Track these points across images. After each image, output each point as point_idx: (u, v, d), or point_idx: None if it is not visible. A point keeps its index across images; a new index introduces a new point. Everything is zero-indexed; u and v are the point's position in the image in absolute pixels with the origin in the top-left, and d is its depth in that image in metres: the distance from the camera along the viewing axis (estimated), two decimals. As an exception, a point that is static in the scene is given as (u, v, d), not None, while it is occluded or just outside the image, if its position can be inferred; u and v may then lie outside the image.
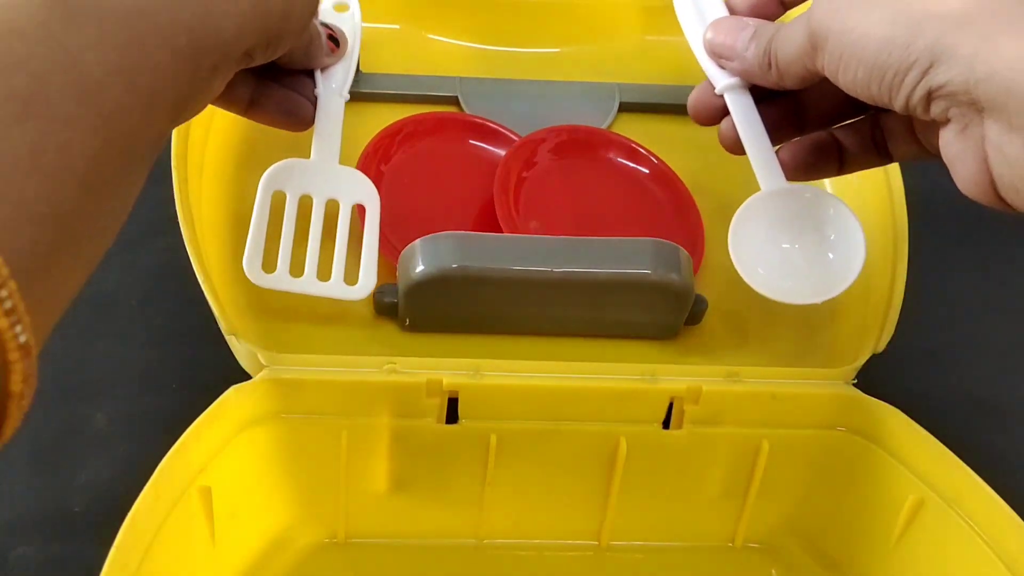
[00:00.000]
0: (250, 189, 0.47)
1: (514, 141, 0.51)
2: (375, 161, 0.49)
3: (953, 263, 0.58)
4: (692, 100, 0.43)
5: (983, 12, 0.31)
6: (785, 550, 0.47)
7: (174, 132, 0.45)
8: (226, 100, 0.41)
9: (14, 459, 0.46)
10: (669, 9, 0.44)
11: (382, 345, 0.46)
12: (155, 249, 0.50)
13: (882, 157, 0.41)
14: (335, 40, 0.45)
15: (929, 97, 0.33)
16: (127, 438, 0.47)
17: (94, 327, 0.49)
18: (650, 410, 0.44)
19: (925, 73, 0.32)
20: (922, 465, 0.43)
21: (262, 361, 0.41)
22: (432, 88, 0.54)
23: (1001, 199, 0.33)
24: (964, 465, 0.42)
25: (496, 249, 0.44)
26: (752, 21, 0.41)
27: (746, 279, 0.41)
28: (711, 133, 0.43)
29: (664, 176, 0.52)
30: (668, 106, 0.55)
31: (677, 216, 0.51)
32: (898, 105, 0.34)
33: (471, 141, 0.52)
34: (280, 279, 0.43)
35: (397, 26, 0.57)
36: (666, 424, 0.44)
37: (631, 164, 0.52)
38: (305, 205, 0.44)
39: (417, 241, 0.44)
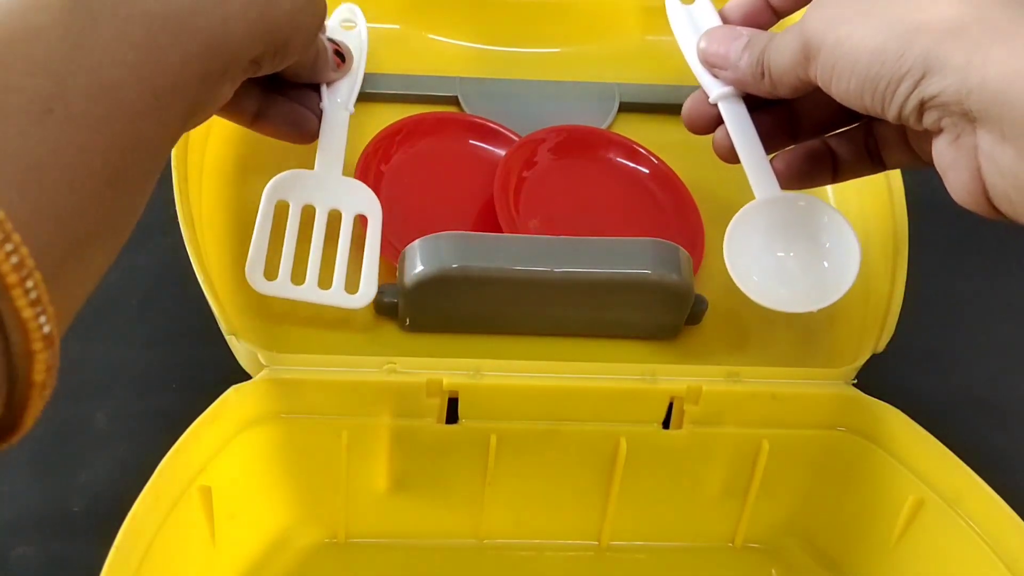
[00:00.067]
0: (250, 189, 0.47)
1: (514, 141, 0.51)
2: (375, 161, 0.49)
3: (953, 263, 0.58)
4: (686, 109, 0.43)
5: (975, 23, 0.32)
6: (785, 550, 0.47)
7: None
8: (234, 112, 0.42)
9: (14, 459, 0.46)
10: (669, 9, 0.44)
11: (382, 345, 0.46)
12: (155, 249, 0.50)
13: (876, 165, 0.42)
14: (341, 56, 0.47)
15: (922, 107, 0.33)
16: (127, 438, 0.47)
17: (94, 327, 0.49)
18: (650, 410, 0.44)
19: (918, 84, 0.32)
20: (922, 465, 0.43)
21: (262, 361, 0.41)
22: (432, 88, 0.54)
23: (994, 208, 0.33)
24: (964, 465, 0.42)
25: (496, 249, 0.44)
26: (745, 31, 0.41)
27: (741, 287, 0.41)
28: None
29: (664, 176, 0.52)
30: (668, 106, 0.54)
31: (677, 216, 0.51)
32: (891, 115, 0.34)
33: (471, 141, 0.52)
34: (282, 287, 0.43)
35: (397, 26, 0.57)
36: (666, 424, 0.44)
37: (631, 164, 0.52)
38: (308, 214, 0.44)
39: (417, 241, 0.44)
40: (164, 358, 0.49)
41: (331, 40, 0.47)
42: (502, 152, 0.51)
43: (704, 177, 0.51)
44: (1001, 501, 0.41)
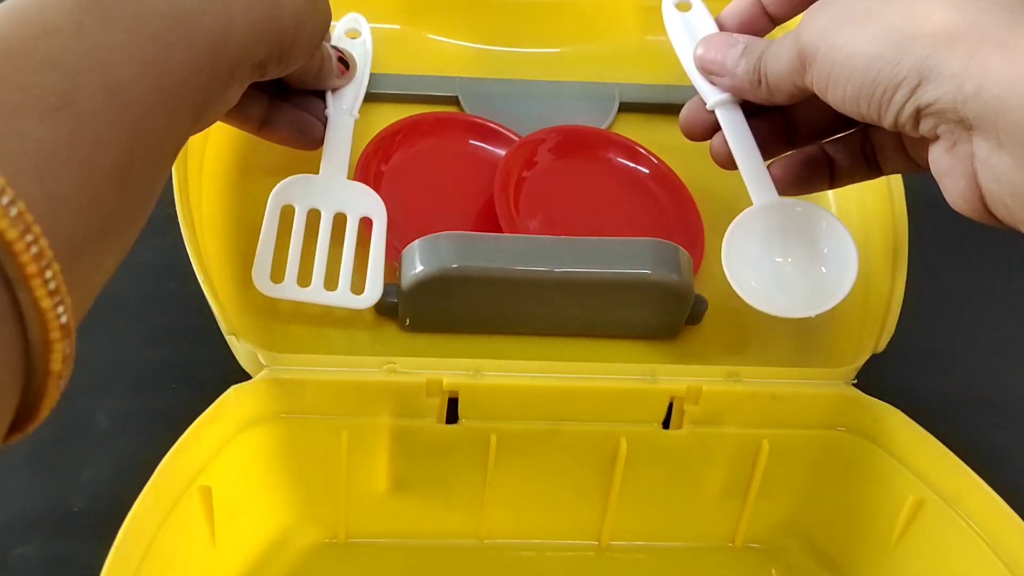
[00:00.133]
0: (250, 189, 0.47)
1: (514, 141, 0.51)
2: (375, 161, 0.49)
3: (954, 262, 0.57)
4: (683, 116, 0.44)
5: (971, 30, 0.32)
6: (785, 550, 0.47)
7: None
8: (241, 119, 0.43)
9: (14, 458, 0.46)
10: (669, 9, 0.44)
11: (382, 345, 0.46)
12: (155, 249, 0.49)
13: (872, 171, 0.42)
14: (345, 63, 0.47)
15: (918, 115, 0.33)
16: (127, 437, 0.47)
17: (94, 326, 0.49)
18: (650, 410, 0.44)
19: (914, 91, 0.32)
20: (922, 465, 0.43)
21: (262, 361, 0.41)
22: (432, 88, 0.54)
23: (991, 214, 0.33)
24: (964, 465, 0.42)
25: (496, 249, 0.44)
26: (742, 38, 0.41)
27: (739, 292, 0.41)
28: (710, 133, 0.43)
29: (664, 176, 0.52)
30: (668, 106, 0.54)
31: (677, 216, 0.51)
32: (887, 122, 0.34)
33: (471, 141, 0.52)
34: (288, 289, 0.44)
35: (397, 26, 0.57)
36: (666, 424, 0.44)
37: (631, 164, 0.52)
38: (313, 218, 0.45)
39: (417, 241, 0.44)
40: (164, 357, 0.49)
41: (335, 47, 0.47)
42: (502, 152, 0.51)
43: (704, 177, 0.51)
44: (1001, 501, 0.41)
